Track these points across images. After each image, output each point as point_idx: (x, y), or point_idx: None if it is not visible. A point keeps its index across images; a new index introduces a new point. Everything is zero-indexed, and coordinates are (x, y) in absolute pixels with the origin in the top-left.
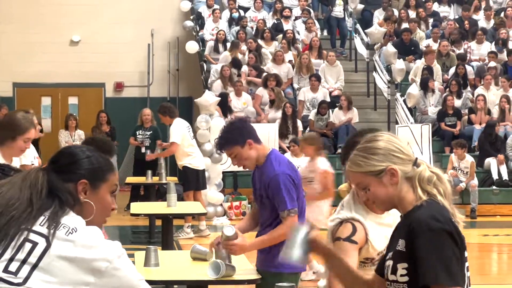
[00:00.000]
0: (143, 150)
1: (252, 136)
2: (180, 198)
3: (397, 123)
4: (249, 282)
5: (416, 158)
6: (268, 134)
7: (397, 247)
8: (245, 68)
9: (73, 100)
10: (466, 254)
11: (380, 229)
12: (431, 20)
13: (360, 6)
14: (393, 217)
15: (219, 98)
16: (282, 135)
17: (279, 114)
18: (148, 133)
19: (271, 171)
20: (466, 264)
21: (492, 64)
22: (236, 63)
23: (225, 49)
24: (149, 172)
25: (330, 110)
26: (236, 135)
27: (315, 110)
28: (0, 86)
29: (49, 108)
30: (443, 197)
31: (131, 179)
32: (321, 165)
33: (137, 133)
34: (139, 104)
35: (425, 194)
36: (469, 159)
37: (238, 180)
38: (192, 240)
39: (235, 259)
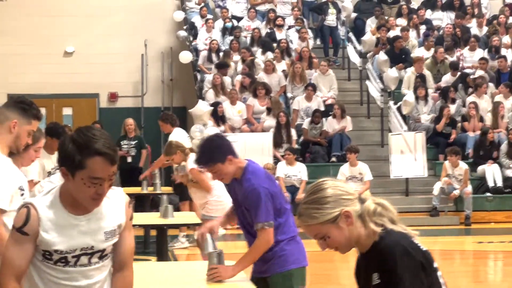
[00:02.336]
0: (129, 159)
1: (231, 152)
2: (176, 208)
3: (390, 131)
4: None
5: (360, 194)
6: (262, 143)
7: (373, 282)
8: (238, 77)
9: (67, 111)
10: (435, 264)
11: (75, 225)
12: (422, 27)
13: (353, 15)
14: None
15: (212, 108)
16: (277, 144)
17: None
18: (133, 142)
19: (249, 185)
20: (439, 272)
21: (480, 72)
22: (220, 66)
23: (218, 58)
24: (144, 182)
25: (324, 119)
26: (217, 153)
27: (309, 119)
28: None
29: (44, 119)
30: (393, 223)
31: (125, 190)
32: (189, 164)
33: (122, 143)
34: (133, 114)
35: (377, 226)
36: (463, 166)
37: None
38: (187, 250)
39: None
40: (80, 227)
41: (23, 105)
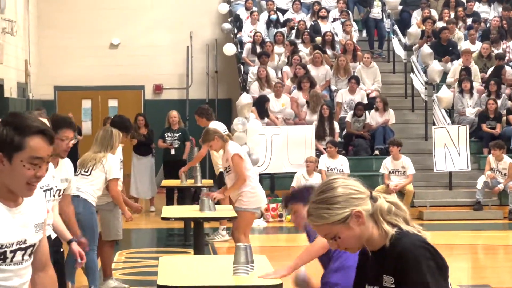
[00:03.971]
0: (172, 152)
1: None
2: (216, 201)
3: (434, 124)
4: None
5: (371, 192)
6: (305, 136)
7: (383, 283)
8: (286, 69)
9: (113, 103)
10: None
11: (11, 218)
12: (469, 20)
13: (399, 7)
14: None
15: (250, 101)
16: (319, 137)
17: (315, 117)
18: (177, 134)
19: None
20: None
21: None
22: (261, 55)
23: (262, 49)
24: (183, 175)
25: (367, 112)
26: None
27: (352, 112)
28: (42, 90)
29: (90, 111)
30: (406, 223)
31: (166, 182)
32: (231, 150)
33: (166, 135)
34: (178, 106)
35: (390, 226)
36: (507, 160)
37: (275, 182)
38: (227, 243)
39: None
40: (14, 219)
41: None
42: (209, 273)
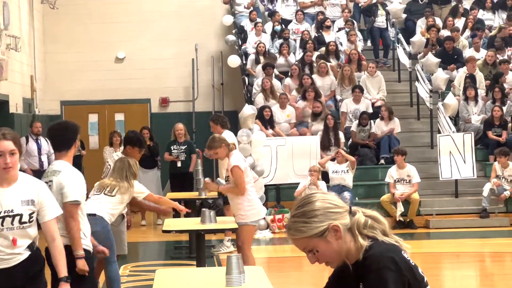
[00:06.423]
0: (178, 164)
1: None
2: (221, 212)
3: (439, 132)
4: None
5: (350, 207)
6: (310, 146)
7: None
8: (288, 81)
9: (119, 117)
10: (425, 279)
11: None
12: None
13: (403, 16)
14: None
15: (254, 112)
16: (324, 147)
17: (320, 126)
18: (183, 147)
19: None
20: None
21: None
22: (265, 66)
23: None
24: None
25: (372, 121)
26: None
27: (357, 121)
28: (49, 105)
29: (96, 125)
30: (384, 235)
31: (172, 195)
32: (232, 161)
33: (172, 148)
34: (185, 119)
35: (365, 239)
36: None
37: (280, 193)
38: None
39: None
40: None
41: None
42: (204, 285)
